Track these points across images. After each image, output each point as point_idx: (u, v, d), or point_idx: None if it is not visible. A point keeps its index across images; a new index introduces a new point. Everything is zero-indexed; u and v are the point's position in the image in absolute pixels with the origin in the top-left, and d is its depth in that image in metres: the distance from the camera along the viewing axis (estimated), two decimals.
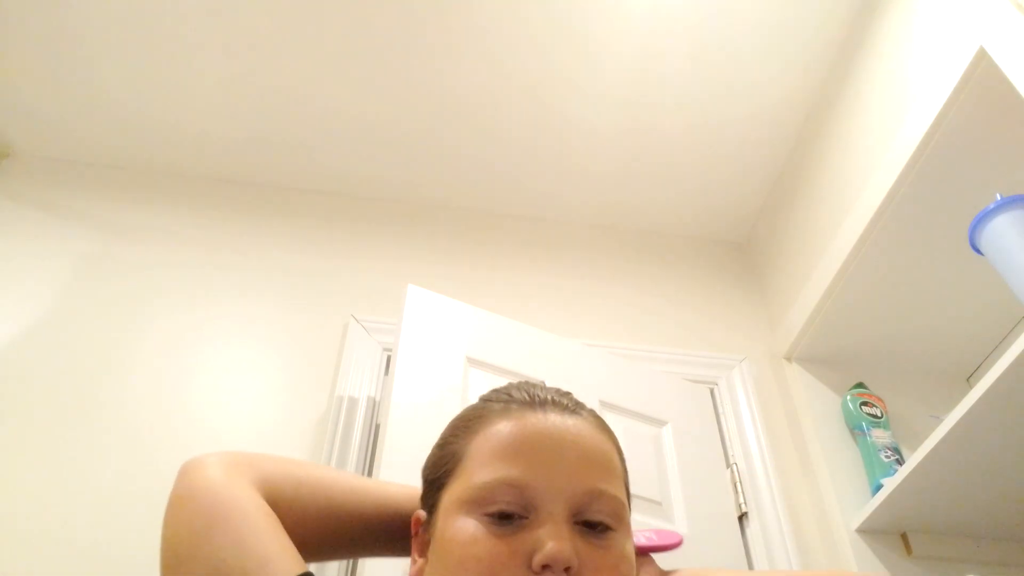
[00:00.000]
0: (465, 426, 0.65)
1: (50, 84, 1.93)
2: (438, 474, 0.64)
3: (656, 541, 0.67)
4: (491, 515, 0.57)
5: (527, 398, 0.64)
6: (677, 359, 1.90)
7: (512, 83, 1.91)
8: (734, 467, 1.69)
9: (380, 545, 0.70)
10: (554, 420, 0.62)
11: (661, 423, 1.64)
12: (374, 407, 1.64)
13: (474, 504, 0.58)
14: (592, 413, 0.66)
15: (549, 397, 0.64)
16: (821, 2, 1.77)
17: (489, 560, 0.54)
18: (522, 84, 1.91)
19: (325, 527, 0.66)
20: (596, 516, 0.57)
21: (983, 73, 1.33)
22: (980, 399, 1.26)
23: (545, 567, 0.53)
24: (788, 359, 1.91)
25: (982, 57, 1.32)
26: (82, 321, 1.73)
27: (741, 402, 1.83)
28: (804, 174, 1.98)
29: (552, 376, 1.57)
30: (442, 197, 2.17)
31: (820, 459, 1.70)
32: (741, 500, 1.64)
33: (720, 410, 1.82)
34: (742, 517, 1.62)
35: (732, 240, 2.28)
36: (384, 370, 1.71)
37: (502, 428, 0.62)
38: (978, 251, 1.37)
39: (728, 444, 1.75)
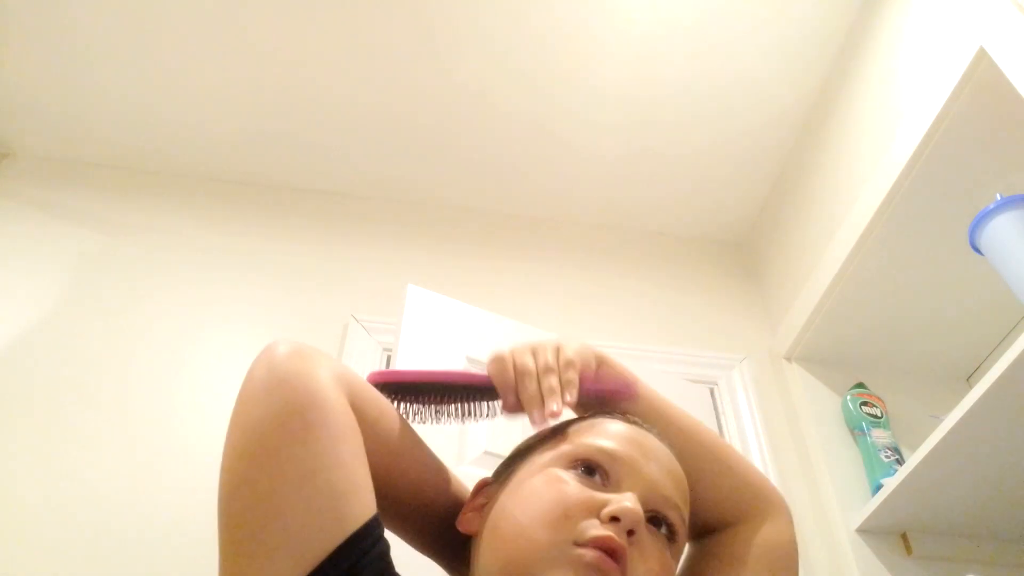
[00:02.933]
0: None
1: (50, 84, 1.93)
2: (528, 444, 0.66)
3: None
4: (576, 468, 0.60)
5: (624, 415, 0.68)
6: (677, 359, 1.90)
7: (512, 83, 1.91)
8: None
9: (423, 519, 0.66)
10: (649, 435, 0.65)
11: None
12: None
13: (564, 459, 0.61)
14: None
15: (641, 423, 0.67)
16: (821, 2, 1.77)
17: (565, 495, 0.57)
18: (522, 84, 1.91)
19: (386, 470, 0.61)
20: (668, 518, 0.60)
21: (983, 73, 1.33)
22: (980, 399, 1.26)
23: (613, 519, 0.55)
24: (788, 359, 1.91)
25: (982, 57, 1.32)
26: (82, 321, 1.73)
27: (741, 402, 1.83)
28: (804, 174, 1.98)
29: None
30: (442, 197, 2.17)
31: (820, 459, 1.70)
32: None
33: (720, 410, 1.82)
34: None
35: (732, 240, 2.28)
36: None
37: (604, 420, 0.65)
38: (978, 251, 1.37)
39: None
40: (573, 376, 0.65)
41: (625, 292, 2.07)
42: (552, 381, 0.64)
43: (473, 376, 0.68)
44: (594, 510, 0.55)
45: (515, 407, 0.66)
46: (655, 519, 0.59)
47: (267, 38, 1.84)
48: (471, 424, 0.69)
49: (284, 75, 1.91)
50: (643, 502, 0.58)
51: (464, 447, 1.38)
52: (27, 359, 1.65)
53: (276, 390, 0.56)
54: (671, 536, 0.59)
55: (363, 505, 0.54)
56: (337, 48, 1.86)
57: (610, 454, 0.60)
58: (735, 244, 2.28)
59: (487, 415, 0.68)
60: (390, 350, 1.68)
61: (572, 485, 0.58)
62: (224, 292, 1.85)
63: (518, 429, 1.48)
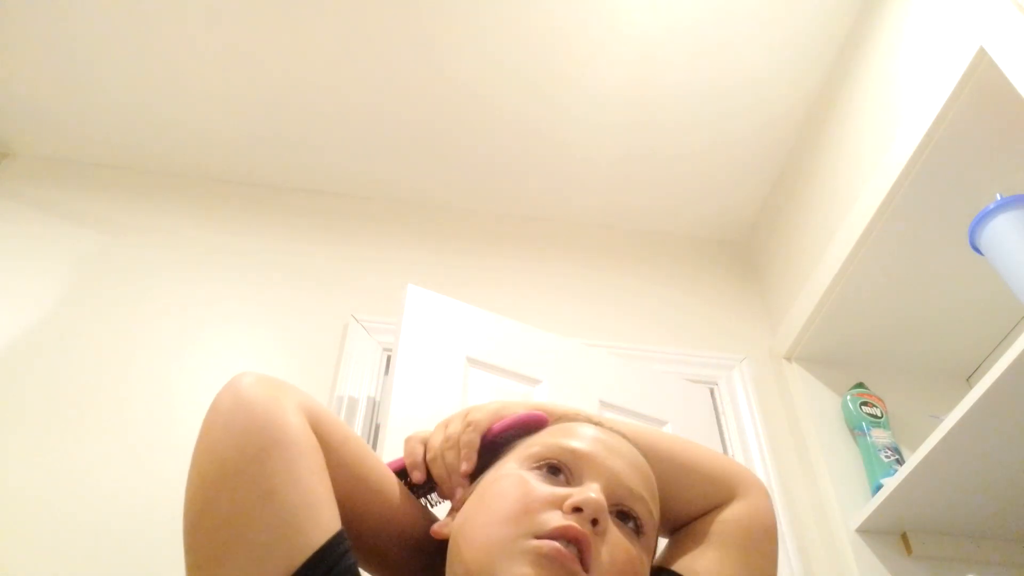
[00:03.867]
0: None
1: (50, 84, 1.93)
2: (497, 457, 0.66)
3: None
4: (540, 468, 0.60)
5: (586, 416, 0.69)
6: (677, 359, 1.90)
7: (513, 83, 1.91)
8: None
9: (391, 546, 0.65)
10: (613, 435, 0.65)
11: (661, 423, 1.64)
12: (374, 407, 1.64)
13: (528, 460, 0.61)
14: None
15: (604, 420, 0.69)
16: (821, 3, 1.77)
17: (526, 493, 0.57)
18: (522, 84, 1.91)
19: (350, 498, 0.61)
20: (630, 511, 0.60)
21: (983, 73, 1.33)
22: (980, 399, 1.26)
23: (576, 509, 0.55)
24: (788, 359, 1.91)
25: (982, 57, 1.32)
26: (81, 321, 1.73)
27: (741, 402, 1.83)
28: (804, 174, 1.98)
29: (552, 376, 1.57)
30: (442, 197, 2.17)
31: (820, 459, 1.70)
32: None
33: (720, 410, 1.82)
34: None
35: (732, 240, 2.28)
36: (384, 370, 1.71)
37: (567, 425, 0.66)
38: (978, 251, 1.37)
39: (728, 444, 1.75)
40: (470, 437, 0.66)
41: (625, 292, 2.07)
42: (450, 457, 0.66)
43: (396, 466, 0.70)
44: (557, 503, 0.56)
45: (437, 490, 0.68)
46: (622, 513, 0.59)
47: (266, 39, 1.84)
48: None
49: (283, 76, 1.91)
50: (608, 495, 0.58)
51: None
52: (27, 359, 1.65)
53: (235, 416, 0.57)
54: (638, 529, 0.59)
55: (326, 521, 0.54)
56: (337, 49, 1.86)
57: (573, 451, 0.61)
58: (735, 244, 2.28)
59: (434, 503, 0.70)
60: (390, 350, 1.68)
61: (535, 484, 0.58)
62: (224, 292, 1.85)
63: None
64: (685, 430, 1.66)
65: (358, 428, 1.58)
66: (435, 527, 0.63)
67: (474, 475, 0.66)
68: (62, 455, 1.51)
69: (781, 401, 1.87)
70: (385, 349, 1.74)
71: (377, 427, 1.56)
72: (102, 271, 1.84)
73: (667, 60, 1.86)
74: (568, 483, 0.59)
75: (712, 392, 1.86)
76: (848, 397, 1.75)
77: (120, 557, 1.40)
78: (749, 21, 1.79)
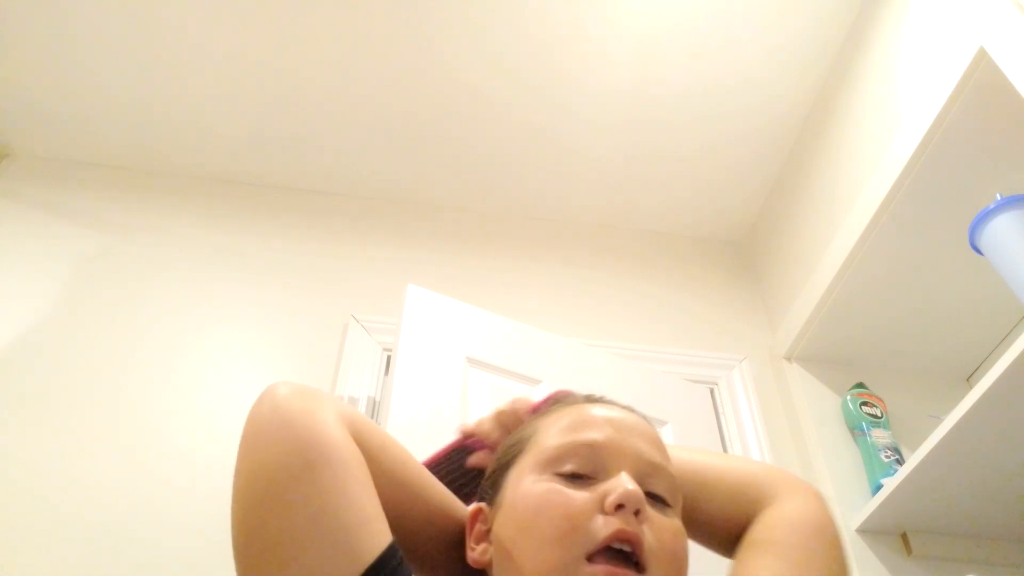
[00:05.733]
0: (534, 418, 0.69)
1: (50, 84, 1.93)
2: (506, 458, 0.66)
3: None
4: (563, 474, 0.59)
5: (586, 397, 0.69)
6: (677, 359, 1.90)
7: (512, 83, 1.91)
8: None
9: (431, 545, 0.66)
10: (616, 409, 0.67)
11: (661, 423, 1.64)
12: (374, 407, 1.64)
13: (547, 465, 0.61)
14: (643, 415, 0.70)
15: (605, 398, 0.69)
16: (821, 3, 1.77)
17: (565, 505, 0.57)
18: (522, 84, 1.91)
19: (392, 502, 0.60)
20: (657, 489, 0.60)
21: (983, 73, 1.33)
22: (980, 399, 1.26)
23: (619, 507, 0.55)
24: (788, 359, 1.91)
25: (982, 57, 1.32)
26: (82, 321, 1.73)
27: (741, 402, 1.83)
28: (804, 174, 1.98)
29: (552, 376, 1.57)
30: (442, 197, 2.17)
31: (820, 459, 1.70)
32: None
33: (720, 410, 1.82)
34: None
35: (732, 240, 2.28)
36: (384, 370, 1.71)
37: (569, 411, 0.66)
38: (978, 251, 1.36)
39: (728, 444, 1.75)
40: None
41: (625, 292, 2.07)
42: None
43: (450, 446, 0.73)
44: (596, 506, 0.56)
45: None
46: (649, 493, 0.59)
47: (266, 39, 1.84)
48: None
49: (283, 76, 1.91)
50: (637, 478, 0.58)
51: None
52: (27, 359, 1.65)
53: (277, 432, 0.56)
54: (665, 502, 0.60)
55: (377, 535, 0.54)
56: (337, 49, 1.86)
57: (590, 445, 0.61)
58: (735, 244, 2.28)
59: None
60: (390, 350, 1.68)
61: (565, 492, 0.58)
62: (224, 292, 1.85)
63: None
64: (685, 430, 1.66)
65: None
66: (472, 557, 0.63)
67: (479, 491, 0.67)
68: (62, 455, 1.51)
69: (781, 401, 1.87)
70: (385, 349, 1.74)
71: None
72: (102, 271, 1.84)
73: (668, 60, 1.86)
74: (595, 478, 0.59)
75: (712, 392, 1.86)
76: (848, 397, 1.75)
77: (120, 557, 1.40)
78: (748, 22, 1.79)
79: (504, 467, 0.65)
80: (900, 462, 1.59)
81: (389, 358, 1.66)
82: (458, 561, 0.65)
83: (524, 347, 1.61)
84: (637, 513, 0.55)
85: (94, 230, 1.93)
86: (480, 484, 0.69)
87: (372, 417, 1.62)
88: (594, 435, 0.61)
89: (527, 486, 0.60)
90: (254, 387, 1.80)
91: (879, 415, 1.71)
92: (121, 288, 1.81)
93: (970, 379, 1.86)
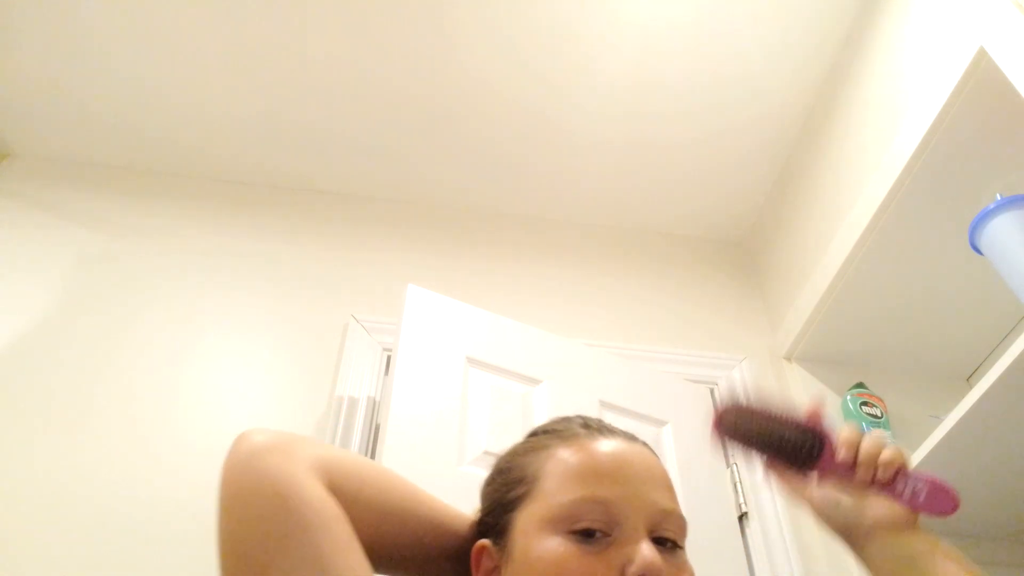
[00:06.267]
0: (531, 450, 0.68)
1: (50, 84, 1.93)
2: (509, 497, 0.65)
3: (922, 501, 0.67)
4: (576, 532, 0.59)
5: (584, 425, 0.68)
6: (677, 359, 1.90)
7: (512, 81, 1.91)
8: (734, 467, 1.69)
9: (427, 564, 0.66)
10: (619, 445, 0.66)
11: (661, 423, 1.64)
12: (374, 407, 1.64)
13: (559, 522, 0.60)
14: (643, 442, 0.69)
15: (603, 425, 0.68)
16: (821, 2, 1.77)
17: (583, 574, 0.57)
18: (522, 82, 1.91)
19: (377, 535, 0.61)
20: (667, 534, 0.61)
21: (983, 73, 1.33)
22: (980, 399, 1.26)
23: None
24: (788, 359, 1.91)
25: (982, 57, 1.32)
26: (82, 321, 1.73)
27: None
28: (804, 173, 1.98)
29: (552, 376, 1.57)
30: (442, 197, 2.17)
31: None
32: (741, 500, 1.64)
33: None
34: (742, 517, 1.62)
35: (732, 240, 2.28)
36: (384, 370, 1.71)
37: (573, 452, 0.65)
38: (978, 251, 1.36)
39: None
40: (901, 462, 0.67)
41: (625, 292, 2.07)
42: (889, 455, 0.67)
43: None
44: (616, 574, 0.57)
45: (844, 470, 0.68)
46: (658, 538, 0.60)
47: (266, 39, 1.84)
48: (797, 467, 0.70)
49: (284, 76, 1.91)
50: (650, 529, 0.59)
51: (464, 447, 1.38)
52: (27, 359, 1.65)
53: (249, 498, 0.56)
54: (675, 545, 0.62)
55: None
56: (338, 50, 1.86)
57: (603, 503, 0.60)
58: (735, 244, 2.28)
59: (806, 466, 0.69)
60: (390, 350, 1.68)
61: (583, 559, 0.58)
62: (224, 291, 1.85)
63: (517, 430, 1.47)
64: (685, 430, 1.66)
65: (358, 428, 1.58)
66: None
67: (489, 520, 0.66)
68: (61, 456, 1.51)
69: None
70: (385, 349, 1.74)
71: (377, 427, 1.56)
72: (102, 271, 1.84)
73: (667, 59, 1.85)
74: (610, 534, 0.59)
75: (712, 392, 1.86)
76: (848, 397, 1.75)
77: (119, 557, 1.40)
78: (749, 20, 1.79)
79: (507, 507, 0.65)
80: None
81: (389, 358, 1.66)
82: (453, 568, 0.66)
83: (524, 347, 1.61)
84: None
85: (94, 230, 1.93)
86: (480, 517, 0.68)
87: (372, 417, 1.62)
88: (605, 492, 0.61)
89: (542, 545, 0.60)
90: (254, 386, 1.80)
91: (879, 415, 1.71)
92: (121, 287, 1.81)
93: (970, 379, 1.86)
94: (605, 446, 0.65)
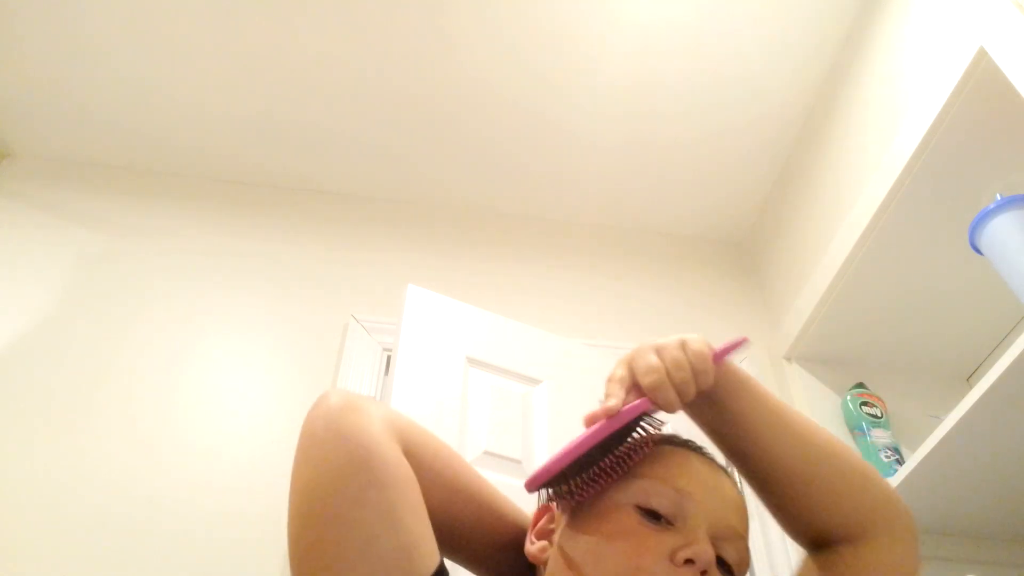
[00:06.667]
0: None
1: (50, 84, 1.93)
2: (592, 464, 0.64)
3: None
4: (644, 509, 0.60)
5: (686, 439, 0.69)
6: None
7: (512, 82, 1.91)
8: (731, 469, 1.68)
9: (479, 546, 0.67)
10: (715, 465, 0.67)
11: (661, 423, 1.64)
12: None
13: (632, 495, 0.61)
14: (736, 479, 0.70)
15: (703, 447, 0.69)
16: (821, 2, 1.77)
17: (636, 544, 0.58)
18: (522, 82, 1.91)
19: (442, 506, 0.63)
20: (728, 556, 0.61)
21: (983, 73, 1.33)
22: (980, 399, 1.26)
23: (688, 561, 0.56)
24: (788, 359, 1.91)
25: (982, 57, 1.32)
26: (82, 321, 1.73)
27: None
28: (804, 173, 1.98)
29: (552, 376, 1.57)
30: (442, 197, 2.17)
31: None
32: None
33: None
34: None
35: (732, 240, 2.28)
36: (384, 370, 1.71)
37: (674, 449, 0.67)
38: (978, 251, 1.36)
39: None
40: (705, 367, 0.64)
41: (625, 292, 2.07)
42: (681, 376, 0.64)
43: (613, 423, 0.63)
44: (666, 555, 0.56)
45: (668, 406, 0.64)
46: (718, 559, 0.60)
47: (267, 39, 1.84)
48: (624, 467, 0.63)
49: (284, 76, 1.91)
50: (711, 536, 0.59)
51: (464, 447, 1.38)
52: (27, 360, 1.65)
53: (332, 451, 0.57)
54: (732, 573, 0.61)
55: (427, 557, 0.55)
56: (338, 50, 1.86)
57: (679, 492, 0.61)
58: (735, 244, 2.28)
59: (639, 448, 0.65)
60: (390, 350, 1.68)
61: (641, 535, 0.58)
62: (224, 291, 1.85)
63: (517, 430, 1.46)
64: (685, 430, 1.66)
65: None
66: (530, 550, 0.64)
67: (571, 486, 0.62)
68: (61, 456, 1.51)
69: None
70: (385, 349, 1.74)
71: None
72: (102, 271, 1.84)
73: (667, 59, 1.86)
74: (673, 524, 0.59)
75: None
76: (848, 397, 1.75)
77: (119, 558, 1.40)
78: (749, 19, 1.79)
79: (589, 476, 0.63)
80: (900, 462, 1.59)
81: (389, 358, 1.66)
82: (505, 559, 0.67)
83: (524, 347, 1.61)
84: (704, 573, 0.56)
85: (94, 230, 1.93)
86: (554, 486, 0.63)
87: None
88: (686, 484, 0.62)
89: (605, 512, 0.61)
90: (254, 386, 1.81)
91: (879, 415, 1.70)
92: (122, 287, 1.81)
93: (970, 379, 1.86)
94: (703, 461, 0.66)
